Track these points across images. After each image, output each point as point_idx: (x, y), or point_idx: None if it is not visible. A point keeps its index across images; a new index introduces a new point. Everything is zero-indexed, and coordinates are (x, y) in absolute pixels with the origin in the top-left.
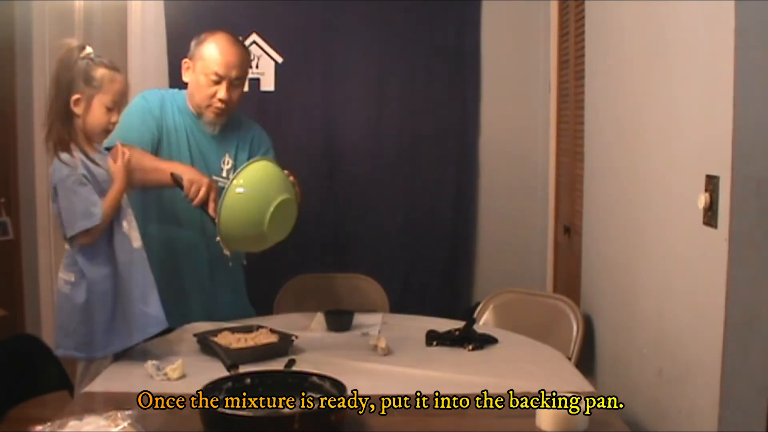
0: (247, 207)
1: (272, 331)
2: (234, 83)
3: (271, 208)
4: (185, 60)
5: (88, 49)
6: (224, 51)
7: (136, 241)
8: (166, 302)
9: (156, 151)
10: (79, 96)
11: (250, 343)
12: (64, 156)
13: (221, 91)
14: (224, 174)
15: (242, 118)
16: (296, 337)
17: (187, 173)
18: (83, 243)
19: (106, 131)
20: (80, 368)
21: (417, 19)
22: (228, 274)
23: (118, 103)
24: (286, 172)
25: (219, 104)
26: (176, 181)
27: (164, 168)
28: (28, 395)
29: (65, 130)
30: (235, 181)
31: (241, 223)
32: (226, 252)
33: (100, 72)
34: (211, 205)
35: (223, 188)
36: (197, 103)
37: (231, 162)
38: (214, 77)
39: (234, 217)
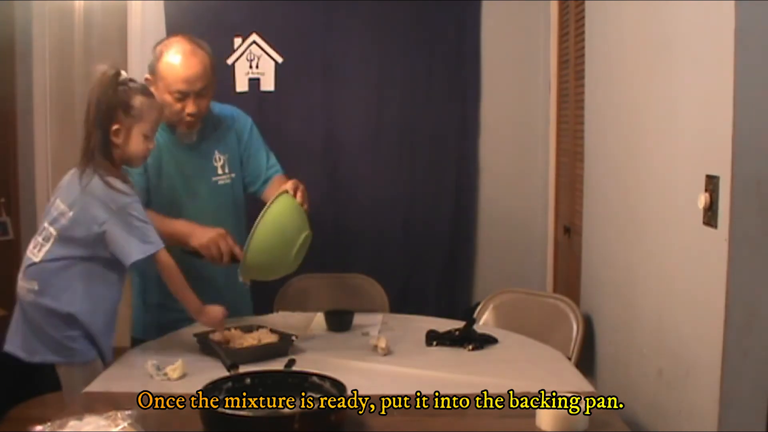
0: (276, 241)
1: (272, 331)
2: (200, 94)
3: (299, 243)
4: (147, 76)
5: (124, 74)
6: (184, 65)
7: None
8: (167, 303)
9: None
10: (118, 126)
11: (251, 343)
12: (119, 183)
13: (189, 106)
14: (219, 171)
15: (212, 110)
16: (296, 337)
17: (194, 237)
18: (163, 265)
19: (144, 158)
20: (63, 375)
21: (417, 19)
22: (228, 274)
23: (154, 130)
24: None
25: (189, 118)
26: (195, 254)
27: (169, 231)
28: (28, 395)
29: (108, 161)
30: (267, 217)
31: (268, 256)
32: (241, 279)
33: (138, 101)
34: (236, 250)
35: (225, 185)
36: (166, 118)
37: (222, 157)
38: (178, 95)
39: (262, 251)
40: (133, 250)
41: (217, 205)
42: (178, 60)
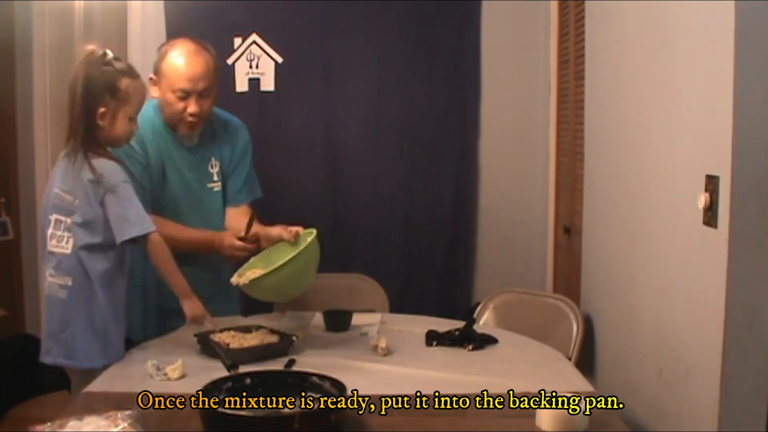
0: (297, 279)
1: (272, 331)
2: (203, 94)
3: (312, 277)
4: (151, 76)
5: (109, 54)
6: (187, 64)
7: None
8: (167, 303)
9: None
10: (104, 109)
11: (251, 343)
12: (111, 163)
13: (191, 106)
14: (215, 178)
15: (217, 116)
16: (297, 338)
17: (219, 243)
18: (152, 248)
19: (128, 139)
20: (76, 379)
21: (417, 19)
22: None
23: (138, 112)
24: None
25: (191, 118)
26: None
27: (187, 240)
28: (28, 395)
29: (95, 141)
30: (302, 256)
31: (282, 287)
32: (235, 283)
33: (125, 83)
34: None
35: (218, 193)
36: (169, 117)
37: (218, 164)
38: (180, 93)
39: (283, 281)
40: (130, 227)
41: (210, 211)
42: (182, 59)
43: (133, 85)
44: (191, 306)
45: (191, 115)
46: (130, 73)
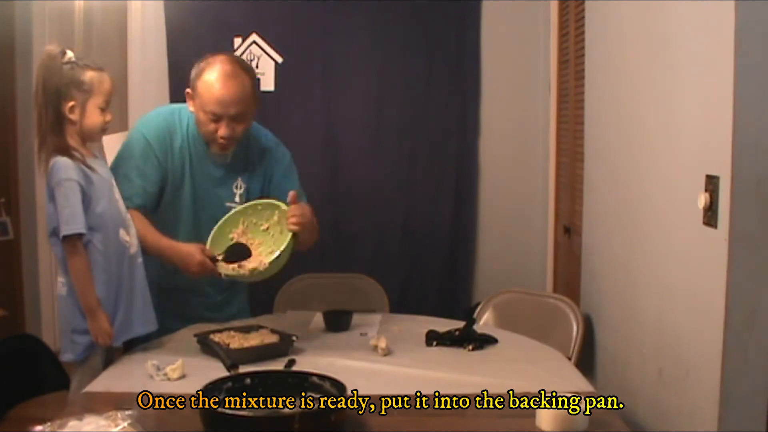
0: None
1: (273, 331)
2: (236, 118)
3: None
4: (187, 90)
5: (69, 53)
6: (221, 87)
7: (133, 248)
8: (166, 303)
9: (161, 191)
10: (73, 103)
11: (252, 343)
12: (65, 159)
13: (222, 129)
14: (236, 199)
15: (257, 138)
16: (297, 338)
17: (184, 270)
18: (67, 249)
19: (103, 131)
20: (76, 375)
21: (417, 19)
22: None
23: (108, 102)
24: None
25: (221, 141)
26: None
27: (164, 247)
28: (28, 395)
29: (60, 139)
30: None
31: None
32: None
33: (88, 75)
34: (210, 266)
35: (230, 209)
36: (202, 134)
37: (243, 186)
38: (212, 116)
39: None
40: (61, 224)
41: None
42: (216, 81)
43: (98, 77)
44: (95, 325)
45: (222, 137)
46: (93, 66)
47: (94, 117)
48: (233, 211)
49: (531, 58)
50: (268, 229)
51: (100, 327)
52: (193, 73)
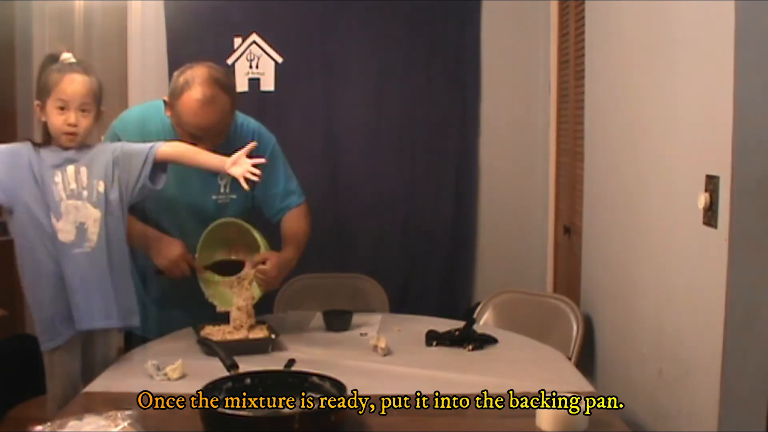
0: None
1: (269, 329)
2: (215, 136)
3: None
4: (165, 98)
5: (65, 55)
6: (199, 114)
7: (64, 236)
8: (165, 304)
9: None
10: (38, 102)
11: (234, 338)
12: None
13: (202, 146)
14: (221, 190)
15: (239, 130)
16: (277, 336)
17: (158, 257)
18: None
19: (66, 133)
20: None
21: (417, 18)
22: None
23: (69, 102)
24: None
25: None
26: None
27: (134, 236)
28: (28, 395)
29: (42, 136)
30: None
31: None
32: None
33: (53, 76)
34: (194, 264)
35: (223, 205)
36: (180, 139)
37: (227, 177)
38: (191, 136)
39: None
40: None
41: (211, 222)
42: (194, 106)
43: (60, 77)
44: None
45: (203, 148)
46: (66, 68)
47: (53, 117)
48: (224, 220)
49: (531, 58)
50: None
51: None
52: (173, 85)
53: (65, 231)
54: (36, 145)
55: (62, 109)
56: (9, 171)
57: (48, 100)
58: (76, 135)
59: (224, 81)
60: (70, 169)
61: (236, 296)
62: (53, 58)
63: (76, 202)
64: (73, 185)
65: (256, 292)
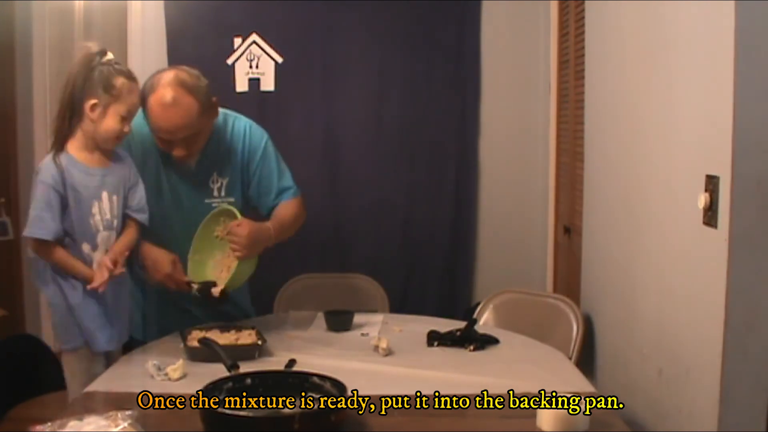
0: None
1: (258, 334)
2: (186, 140)
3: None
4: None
5: (110, 55)
6: (163, 117)
7: (95, 264)
8: (164, 305)
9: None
10: (96, 101)
11: (222, 343)
12: (49, 161)
13: (175, 150)
14: (215, 193)
15: (226, 125)
16: (264, 341)
17: (150, 272)
18: (34, 250)
19: (118, 138)
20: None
21: (417, 18)
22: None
23: (132, 114)
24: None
25: (178, 159)
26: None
27: (143, 249)
28: (28, 395)
29: (68, 128)
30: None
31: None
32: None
33: (120, 81)
34: (185, 280)
35: (210, 205)
36: (161, 148)
37: (221, 180)
38: (161, 141)
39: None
40: (26, 226)
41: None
42: (158, 109)
43: (128, 86)
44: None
45: (177, 157)
46: (128, 74)
47: (112, 122)
48: (214, 211)
49: (531, 58)
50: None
51: (102, 277)
52: (142, 88)
53: (94, 260)
54: (56, 154)
55: (125, 118)
56: (76, 199)
57: (113, 105)
58: (121, 141)
59: (191, 83)
60: (105, 197)
61: (214, 268)
62: (100, 56)
63: (109, 233)
64: (108, 216)
65: (234, 263)
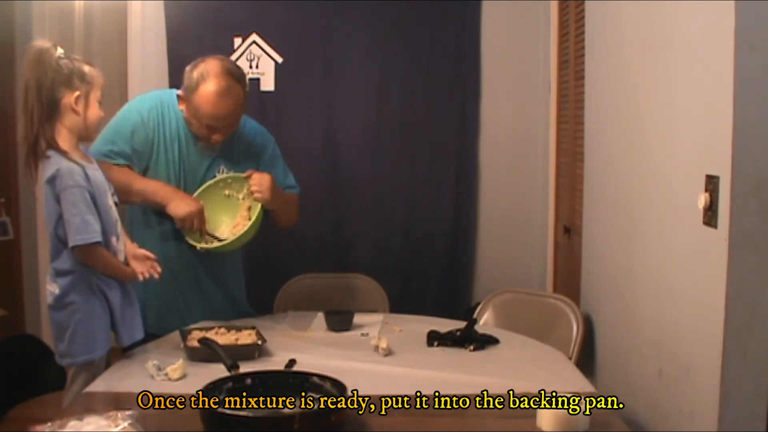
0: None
1: (257, 334)
2: (230, 126)
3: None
4: (180, 92)
5: (60, 50)
6: (217, 106)
7: (121, 255)
8: (164, 305)
9: (146, 164)
10: (79, 93)
11: (221, 343)
12: (68, 164)
13: (217, 136)
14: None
15: (242, 128)
16: (264, 341)
17: (172, 205)
18: (81, 257)
19: (99, 128)
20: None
21: (417, 18)
22: (226, 276)
23: (101, 98)
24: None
25: (215, 143)
26: (167, 216)
27: (151, 190)
28: (28, 395)
29: (51, 129)
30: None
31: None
32: (199, 247)
33: (87, 68)
34: (205, 228)
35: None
36: (194, 133)
37: (226, 172)
38: (207, 127)
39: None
40: (73, 234)
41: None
42: (212, 98)
43: (95, 71)
44: (129, 274)
45: (216, 141)
46: (87, 61)
47: (96, 109)
48: (216, 179)
49: (531, 58)
50: (243, 199)
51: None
52: (187, 79)
53: (120, 251)
54: (63, 151)
55: (101, 103)
56: (98, 196)
57: (91, 92)
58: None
59: (237, 72)
60: (109, 187)
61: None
62: (53, 50)
63: (117, 221)
64: (115, 209)
65: (255, 211)
